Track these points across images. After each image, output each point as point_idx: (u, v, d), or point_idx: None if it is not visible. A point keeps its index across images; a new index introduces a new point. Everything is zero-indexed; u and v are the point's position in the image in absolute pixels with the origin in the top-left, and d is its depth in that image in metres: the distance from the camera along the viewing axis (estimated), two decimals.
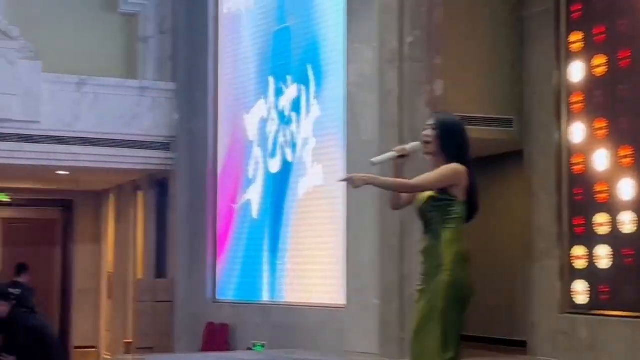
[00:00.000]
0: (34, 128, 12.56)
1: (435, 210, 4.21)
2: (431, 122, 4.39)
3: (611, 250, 8.29)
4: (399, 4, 9.03)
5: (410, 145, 4.40)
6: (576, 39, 8.86)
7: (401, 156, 4.33)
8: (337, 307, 10.00)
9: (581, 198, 8.72)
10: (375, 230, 9.27)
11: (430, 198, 4.19)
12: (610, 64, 8.42)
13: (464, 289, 4.14)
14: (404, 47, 8.95)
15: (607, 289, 8.31)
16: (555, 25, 9.09)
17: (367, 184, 4.36)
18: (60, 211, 18.15)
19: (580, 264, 8.67)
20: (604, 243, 8.38)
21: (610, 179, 8.32)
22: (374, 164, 4.40)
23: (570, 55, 8.93)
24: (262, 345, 11.04)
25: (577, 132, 8.81)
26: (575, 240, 8.77)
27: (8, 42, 12.32)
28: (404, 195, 4.42)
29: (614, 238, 8.25)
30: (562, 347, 8.74)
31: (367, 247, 9.42)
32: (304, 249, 10.90)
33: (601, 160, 8.39)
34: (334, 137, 10.39)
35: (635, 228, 8.05)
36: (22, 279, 14.14)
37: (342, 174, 9.91)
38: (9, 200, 17.21)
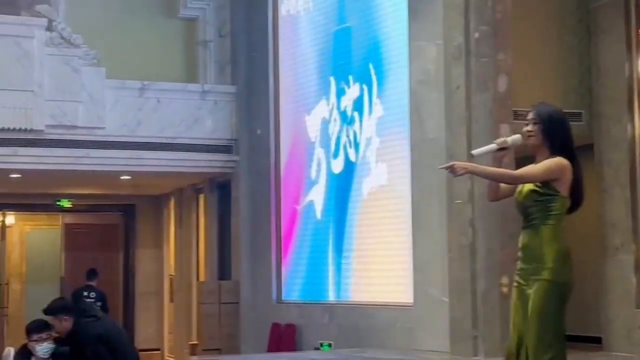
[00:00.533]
0: (99, 134, 12.71)
1: (537, 204, 4.11)
2: (532, 115, 4.29)
3: None
4: (464, 0, 8.95)
5: (511, 138, 4.31)
6: None
7: (501, 149, 4.23)
8: (404, 306, 9.94)
9: None
10: (442, 227, 9.20)
11: (532, 192, 4.09)
12: None
13: (566, 287, 4.05)
14: (470, 43, 8.87)
15: None
16: (624, 15, 8.96)
17: (468, 172, 4.28)
18: (121, 216, 18.34)
19: None
20: None
21: None
22: (473, 155, 4.32)
23: None
24: (329, 345, 11.04)
25: None
26: None
27: (72, 50, 12.48)
28: (503, 187, 4.34)
29: None
30: (638, 342, 8.60)
31: (435, 244, 9.36)
32: (369, 248, 10.86)
33: None
34: (398, 136, 10.34)
35: None
36: (94, 283, 14.39)
37: (408, 173, 9.90)
38: (71, 206, 17.43)
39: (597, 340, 9.27)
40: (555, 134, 4.19)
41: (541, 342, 3.92)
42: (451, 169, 4.19)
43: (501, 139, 4.29)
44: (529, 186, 4.09)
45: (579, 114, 9.43)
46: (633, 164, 8.82)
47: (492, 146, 4.30)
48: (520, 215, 4.21)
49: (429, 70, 9.63)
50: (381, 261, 10.59)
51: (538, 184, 4.04)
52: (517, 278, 4.14)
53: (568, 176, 4.10)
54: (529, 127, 4.27)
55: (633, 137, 8.83)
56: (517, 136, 4.31)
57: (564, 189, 4.10)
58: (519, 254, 4.16)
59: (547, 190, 4.06)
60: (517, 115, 9.08)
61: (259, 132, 13.03)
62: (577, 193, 4.18)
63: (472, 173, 4.23)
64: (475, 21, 8.86)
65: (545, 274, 4.01)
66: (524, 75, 9.28)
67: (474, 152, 4.31)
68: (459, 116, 8.91)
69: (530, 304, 3.96)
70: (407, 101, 9.98)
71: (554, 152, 4.17)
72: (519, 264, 4.12)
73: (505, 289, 8.62)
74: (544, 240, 4.05)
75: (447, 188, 9.03)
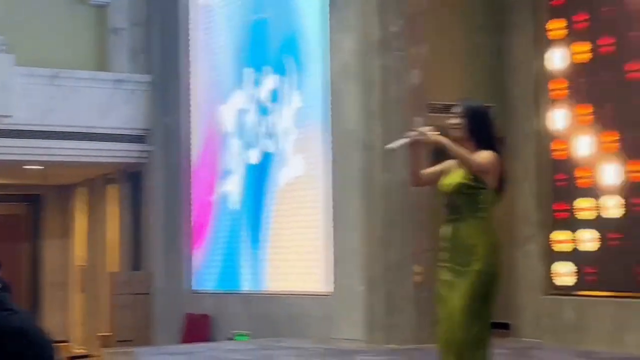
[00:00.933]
0: (6, 122, 12.40)
1: (466, 197, 4.17)
2: (458, 109, 4.37)
3: (596, 233, 8.49)
4: None
5: (422, 129, 4.36)
6: (556, 26, 9.03)
7: (416, 141, 4.30)
8: (322, 295, 10.06)
9: (563, 184, 8.91)
10: (360, 219, 9.35)
11: (462, 184, 4.15)
12: (592, 50, 8.60)
13: (495, 278, 4.18)
14: (387, 36, 9.04)
15: (592, 271, 8.51)
16: (534, 13, 9.26)
17: (438, 143, 4.23)
18: (27, 206, 17.95)
19: (562, 247, 8.88)
20: (587, 227, 8.58)
21: (592, 164, 8.50)
22: (391, 149, 4.36)
23: (550, 43, 9.10)
24: (247, 335, 11.08)
25: (558, 118, 9.00)
26: (557, 225, 8.96)
27: None
28: (427, 174, 4.42)
29: (598, 222, 8.44)
30: (546, 328, 8.95)
31: (352, 235, 9.50)
32: (285, 239, 10.94)
33: (584, 146, 8.57)
34: (316, 128, 10.44)
35: (620, 212, 8.24)
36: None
37: (326, 165, 9.99)
38: None
39: (506, 327, 9.59)
40: (480, 128, 4.30)
41: (469, 329, 4.05)
42: (422, 135, 4.19)
43: (414, 132, 4.32)
44: (457, 178, 4.16)
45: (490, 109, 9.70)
46: (541, 158, 9.13)
47: (406, 139, 4.33)
48: (445, 206, 4.27)
49: (349, 62, 9.74)
50: (298, 251, 10.69)
51: (469, 176, 4.13)
52: (442, 271, 4.20)
53: (498, 170, 4.22)
54: (455, 120, 4.36)
55: (540, 131, 9.15)
56: (429, 128, 4.38)
57: (492, 182, 4.21)
58: (444, 245, 4.23)
59: (477, 184, 4.16)
60: (431, 108, 9.32)
61: (167, 121, 12.94)
62: (503, 186, 4.31)
63: (441, 144, 4.21)
64: (392, 16, 9.03)
65: (476, 265, 4.11)
66: (439, 69, 9.51)
67: (390, 146, 4.34)
68: (378, 109, 9.07)
69: (459, 293, 4.07)
70: (326, 93, 10.07)
71: (479, 146, 4.27)
72: (445, 255, 4.19)
73: (418, 277, 8.86)
74: (475, 233, 4.14)
75: (366, 181, 9.18)
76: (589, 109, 8.63)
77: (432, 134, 4.12)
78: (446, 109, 9.31)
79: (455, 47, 9.72)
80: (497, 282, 4.16)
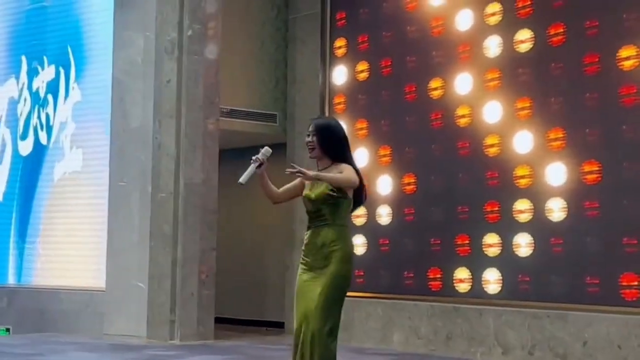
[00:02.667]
0: None
1: (330, 206, 4.50)
2: (311, 128, 4.68)
3: (366, 239, 9.20)
4: None
5: (262, 153, 4.63)
6: (340, 44, 9.68)
7: (259, 165, 4.56)
8: (96, 290, 10.01)
9: None
10: (140, 216, 9.45)
11: (327, 195, 4.48)
12: (372, 70, 9.32)
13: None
14: (183, 39, 9.23)
15: (362, 274, 9.21)
16: (320, 30, 9.85)
17: (318, 178, 4.48)
18: None
19: None
20: (359, 233, 9.27)
21: (370, 175, 9.20)
22: (242, 184, 4.55)
23: (334, 60, 9.74)
24: (7, 330, 10.78)
25: None
26: None
27: None
28: (283, 191, 4.69)
29: (368, 228, 9.15)
30: None
31: (131, 232, 9.56)
32: (59, 234, 10.76)
33: (361, 158, 9.25)
34: (97, 123, 10.39)
35: (390, 220, 9.00)
36: None
37: (106, 161, 9.94)
38: None
39: (281, 325, 10.12)
40: (332, 143, 4.64)
41: (325, 326, 4.41)
42: (302, 174, 4.42)
43: (254, 157, 4.58)
44: (322, 188, 4.48)
45: (274, 116, 10.21)
46: None
47: (252, 167, 4.55)
48: (310, 213, 4.60)
49: (136, 60, 9.81)
50: (72, 247, 10.56)
51: (333, 187, 4.47)
52: (303, 270, 4.54)
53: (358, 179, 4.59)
54: (309, 139, 4.67)
55: None
56: (266, 149, 4.68)
57: (350, 192, 4.59)
58: (306, 248, 4.56)
59: (339, 194, 4.51)
60: (224, 112, 9.66)
61: None
62: (360, 195, 4.68)
63: (321, 179, 4.49)
64: (189, 19, 9.23)
65: (332, 269, 4.48)
66: (231, 75, 9.87)
67: (242, 180, 4.53)
68: (169, 109, 9.23)
69: (317, 294, 4.42)
70: (109, 89, 10.03)
71: (334, 159, 4.62)
72: (307, 258, 4.53)
73: (203, 275, 9.13)
74: (335, 239, 4.50)
75: (152, 180, 9.30)
76: (367, 124, 9.34)
77: (307, 172, 4.40)
78: (236, 113, 9.76)
79: (246, 54, 10.12)
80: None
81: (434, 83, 8.69)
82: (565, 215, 7.57)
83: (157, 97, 9.37)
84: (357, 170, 4.63)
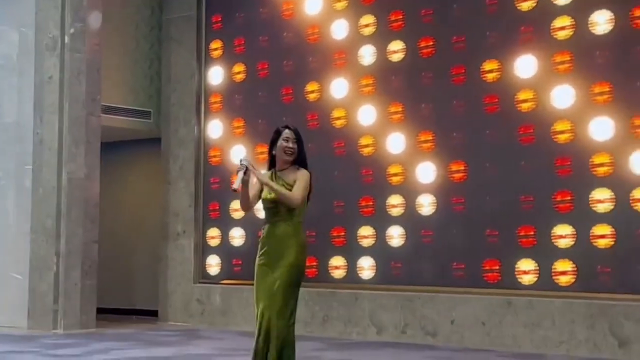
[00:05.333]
0: None
1: (286, 205, 5.01)
2: (293, 135, 5.10)
3: (244, 231, 9.81)
4: None
5: (246, 160, 5.02)
6: (216, 46, 10.21)
7: (245, 171, 4.98)
8: None
9: (217, 186, 10.11)
10: (17, 210, 9.60)
11: None
12: (249, 72, 9.92)
13: (303, 270, 5.10)
14: (65, 37, 9.44)
15: (239, 262, 9.81)
16: (196, 31, 10.33)
17: (262, 183, 4.92)
18: None
19: (214, 242, 10.08)
20: (237, 225, 9.87)
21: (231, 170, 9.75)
22: (235, 189, 4.94)
23: (210, 61, 10.26)
24: None
25: (215, 128, 10.18)
26: (210, 222, 10.14)
27: None
28: (252, 197, 5.12)
29: (246, 221, 9.76)
30: (196, 313, 10.06)
31: (8, 226, 9.69)
32: None
33: (238, 155, 9.82)
34: None
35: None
36: None
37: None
38: None
39: (153, 313, 10.52)
40: (303, 151, 5.16)
41: (285, 310, 4.93)
42: (248, 173, 4.85)
43: (239, 164, 5.02)
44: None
45: (149, 113, 10.58)
46: (198, 161, 10.23)
47: (240, 174, 5.00)
48: (269, 211, 5.08)
49: (10, 55, 9.89)
50: None
51: (289, 188, 4.98)
52: (263, 261, 5.03)
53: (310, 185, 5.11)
54: (290, 145, 5.11)
55: (199, 137, 10.25)
56: (244, 156, 5.13)
57: (305, 194, 5.11)
58: (265, 241, 5.06)
59: None
60: (106, 109, 9.94)
61: None
62: (309, 194, 5.22)
63: (266, 185, 4.91)
64: (71, 17, 9.45)
65: (291, 257, 5.00)
66: (112, 73, 10.16)
67: (235, 186, 4.94)
68: (51, 105, 9.42)
69: (276, 282, 4.95)
70: None
71: (300, 164, 5.13)
72: (265, 250, 5.02)
73: (87, 266, 9.39)
74: (291, 233, 5.00)
75: (33, 175, 9.46)
76: (243, 122, 9.93)
77: (255, 172, 4.84)
78: (112, 110, 10.06)
79: (122, 53, 10.43)
80: (304, 274, 5.10)
81: (310, 86, 9.41)
82: (434, 210, 8.51)
83: (37, 93, 9.52)
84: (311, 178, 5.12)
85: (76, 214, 9.37)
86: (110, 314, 10.78)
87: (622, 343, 7.28)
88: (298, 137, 5.09)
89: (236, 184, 4.95)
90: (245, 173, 4.95)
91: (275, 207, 5.04)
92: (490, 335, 7.97)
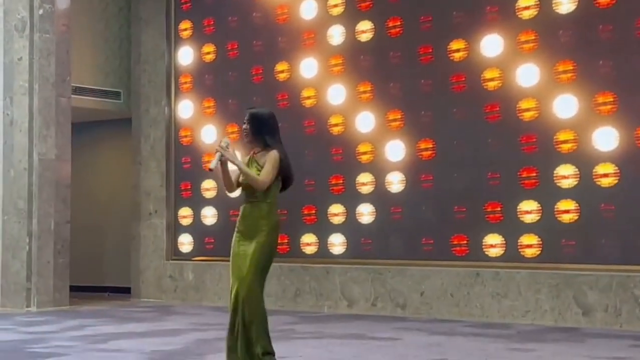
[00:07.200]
0: None
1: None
2: (246, 117, 5.29)
3: (216, 210, 9.96)
4: None
5: (225, 143, 5.18)
6: (186, 27, 10.30)
7: (222, 155, 5.14)
8: None
9: (188, 166, 10.22)
10: None
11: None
12: (219, 52, 10.03)
13: (274, 247, 5.29)
14: (34, 18, 9.46)
15: (212, 240, 9.96)
16: (166, 11, 10.40)
17: (235, 163, 5.06)
18: None
19: (186, 221, 10.21)
20: (209, 205, 10.01)
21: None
22: (212, 169, 5.10)
23: (180, 41, 10.34)
24: None
25: (186, 109, 10.28)
26: (182, 202, 10.26)
27: None
28: (234, 179, 5.28)
29: (218, 200, 9.91)
30: (169, 289, 10.19)
31: None
32: None
33: (210, 135, 9.96)
34: None
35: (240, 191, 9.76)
36: None
37: None
38: None
39: (127, 291, 10.65)
40: (262, 131, 5.30)
41: (255, 283, 5.12)
42: (225, 152, 4.99)
43: (217, 147, 5.17)
44: (254, 172, 5.15)
45: (119, 93, 10.65)
46: (169, 140, 10.33)
47: (218, 155, 5.16)
48: (244, 192, 5.25)
49: None
50: None
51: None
52: (238, 238, 5.21)
53: (280, 165, 5.26)
54: (244, 126, 5.29)
55: (170, 117, 10.35)
56: (225, 139, 5.31)
57: (276, 176, 5.26)
58: (241, 221, 5.23)
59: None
60: (76, 90, 9.99)
61: None
62: (287, 174, 5.37)
63: (237, 165, 5.08)
64: None
65: (262, 237, 5.19)
66: (82, 54, 10.21)
67: (211, 166, 5.10)
68: (21, 87, 9.45)
69: (249, 257, 5.13)
70: None
71: (265, 144, 5.28)
72: (240, 228, 5.21)
73: (59, 246, 9.48)
74: (264, 214, 5.17)
75: (3, 156, 9.50)
76: (214, 102, 10.05)
77: (228, 153, 5.01)
78: (82, 90, 10.11)
79: (92, 34, 10.47)
80: (275, 252, 5.29)
81: (280, 66, 9.54)
82: (403, 187, 8.71)
83: (7, 74, 9.55)
84: (282, 159, 5.26)
85: (47, 194, 9.44)
86: (83, 291, 10.88)
87: (586, 312, 7.57)
88: (250, 119, 5.23)
89: (212, 164, 5.11)
90: (220, 159, 5.11)
91: (251, 188, 5.20)
92: (458, 306, 8.22)
